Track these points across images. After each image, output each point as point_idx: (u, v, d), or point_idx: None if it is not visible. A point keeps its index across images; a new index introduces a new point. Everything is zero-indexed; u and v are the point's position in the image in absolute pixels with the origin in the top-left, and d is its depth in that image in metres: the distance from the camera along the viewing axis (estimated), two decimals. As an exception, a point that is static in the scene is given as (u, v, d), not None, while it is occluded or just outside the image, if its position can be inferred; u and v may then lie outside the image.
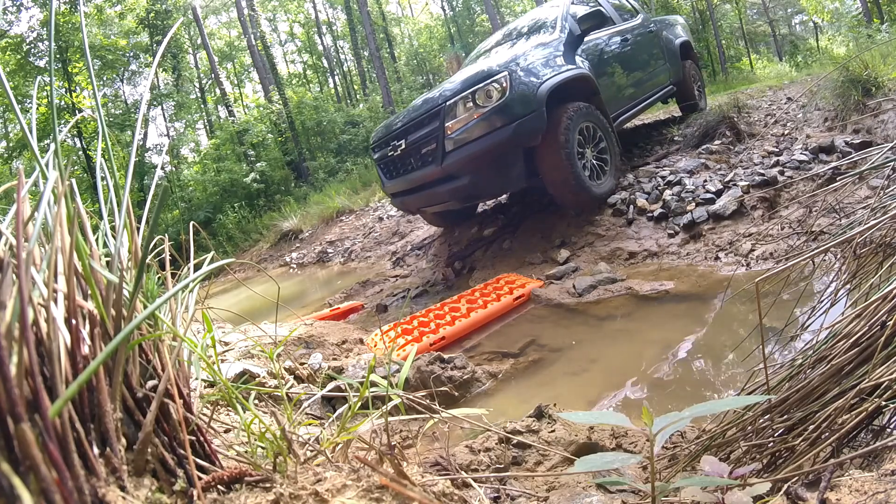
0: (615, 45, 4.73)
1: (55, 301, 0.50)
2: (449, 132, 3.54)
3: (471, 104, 3.50)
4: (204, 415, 0.80)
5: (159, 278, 0.96)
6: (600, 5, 5.06)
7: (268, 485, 0.59)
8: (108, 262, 0.65)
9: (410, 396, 1.01)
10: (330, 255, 7.52)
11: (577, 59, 4.05)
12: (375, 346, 2.62)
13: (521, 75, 3.51)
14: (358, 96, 23.85)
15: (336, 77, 29.92)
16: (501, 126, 3.37)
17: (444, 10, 30.06)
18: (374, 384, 0.88)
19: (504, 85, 3.44)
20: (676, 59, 5.81)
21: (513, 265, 3.69)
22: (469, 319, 2.65)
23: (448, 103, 3.60)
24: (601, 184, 3.87)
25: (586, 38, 4.30)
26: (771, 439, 0.85)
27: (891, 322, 0.77)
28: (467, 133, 3.45)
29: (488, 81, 3.45)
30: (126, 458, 0.50)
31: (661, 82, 5.41)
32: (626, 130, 6.57)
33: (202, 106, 23.55)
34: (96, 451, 0.46)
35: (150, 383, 0.60)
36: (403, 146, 3.88)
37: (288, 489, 0.58)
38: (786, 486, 0.73)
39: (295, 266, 8.17)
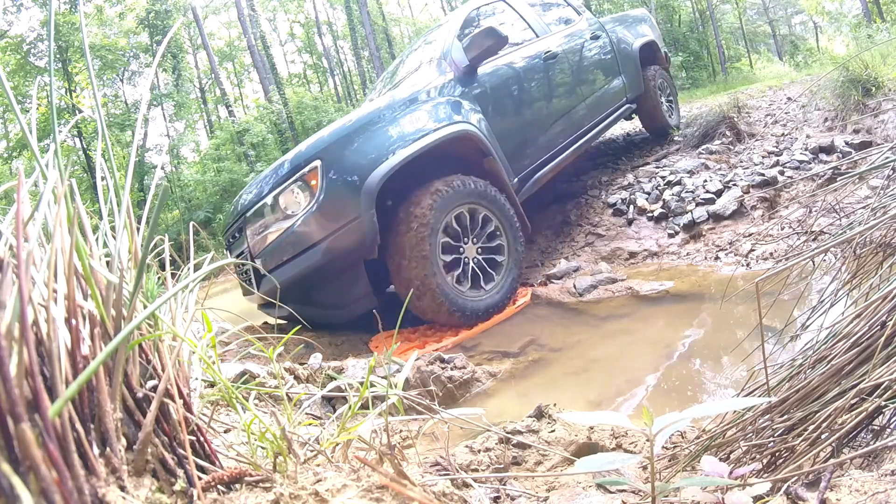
0: (530, 69, 3.45)
1: (55, 301, 0.50)
2: (255, 251, 2.59)
3: (277, 213, 2.50)
4: (204, 415, 0.80)
5: (159, 278, 0.96)
6: (516, 12, 3.85)
7: (268, 485, 0.59)
8: (108, 262, 0.65)
9: (410, 396, 1.01)
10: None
11: (465, 105, 2.90)
12: (376, 347, 2.62)
13: (342, 161, 2.41)
14: (358, 96, 23.87)
15: (336, 77, 29.92)
16: (310, 246, 2.38)
17: (444, 11, 30.08)
18: (373, 384, 0.88)
19: (314, 182, 2.38)
20: (635, 67, 4.56)
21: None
22: (471, 330, 2.63)
23: (248, 214, 2.64)
24: (487, 293, 2.69)
25: (481, 71, 3.10)
26: (771, 439, 0.85)
27: (891, 322, 0.77)
28: (274, 255, 2.47)
29: (292, 180, 2.44)
30: (126, 458, 0.50)
31: (612, 101, 4.22)
32: (626, 132, 6.51)
33: (202, 106, 23.56)
34: (96, 451, 0.46)
35: (150, 383, 0.60)
36: (230, 255, 2.92)
37: (288, 489, 0.58)
38: (786, 486, 0.73)
39: (295, 266, 8.15)
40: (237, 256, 2.80)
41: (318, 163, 2.40)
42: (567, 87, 3.75)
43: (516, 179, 3.12)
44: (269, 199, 2.53)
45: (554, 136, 3.50)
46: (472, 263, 2.73)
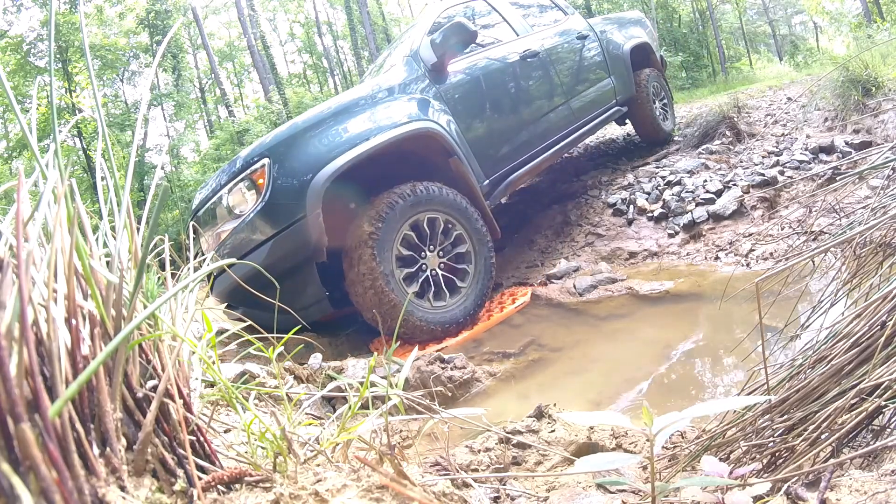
0: (507, 68, 3.33)
1: (55, 301, 0.50)
2: (206, 250, 2.53)
3: (225, 212, 2.44)
4: (204, 415, 0.80)
5: (159, 278, 0.96)
6: (496, 10, 3.71)
7: (268, 485, 0.59)
8: (108, 262, 0.65)
9: (410, 396, 1.01)
10: (330, 255, 7.50)
11: (432, 103, 2.81)
12: (376, 348, 2.62)
13: (291, 160, 2.34)
14: (358, 96, 23.74)
15: (336, 77, 29.89)
16: (256, 246, 2.32)
17: (444, 10, 29.96)
18: (374, 384, 0.88)
19: (261, 181, 2.31)
20: (625, 69, 4.41)
21: (514, 264, 3.69)
22: (471, 331, 2.62)
23: (200, 213, 2.63)
24: (455, 304, 2.58)
25: (453, 68, 3.03)
26: (771, 439, 0.85)
27: (891, 322, 0.77)
28: (223, 255, 2.39)
29: (239, 178, 2.39)
30: (126, 458, 0.50)
31: (599, 103, 4.08)
32: (627, 133, 6.50)
33: (202, 106, 23.53)
34: (96, 451, 0.46)
35: (150, 383, 0.60)
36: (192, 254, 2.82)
37: (288, 489, 0.58)
38: (786, 486, 0.73)
39: (295, 266, 8.15)
40: (195, 256, 2.65)
41: (266, 161, 2.32)
42: (548, 88, 3.62)
43: (487, 182, 3.01)
44: (217, 198, 2.48)
45: (532, 137, 3.37)
46: (436, 274, 2.61)
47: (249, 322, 1.12)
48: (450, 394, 1.87)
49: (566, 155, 5.76)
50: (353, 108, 2.59)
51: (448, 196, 2.64)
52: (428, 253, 2.60)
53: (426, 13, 3.53)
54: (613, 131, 6.37)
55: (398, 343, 2.52)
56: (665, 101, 5.16)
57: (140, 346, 0.62)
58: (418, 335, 2.47)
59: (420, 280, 2.55)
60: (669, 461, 0.99)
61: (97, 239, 0.70)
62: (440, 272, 2.63)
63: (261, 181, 2.32)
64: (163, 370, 0.61)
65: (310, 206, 2.27)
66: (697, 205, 3.39)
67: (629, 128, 6.44)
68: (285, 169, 2.32)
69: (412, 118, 2.64)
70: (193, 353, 0.80)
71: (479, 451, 1.12)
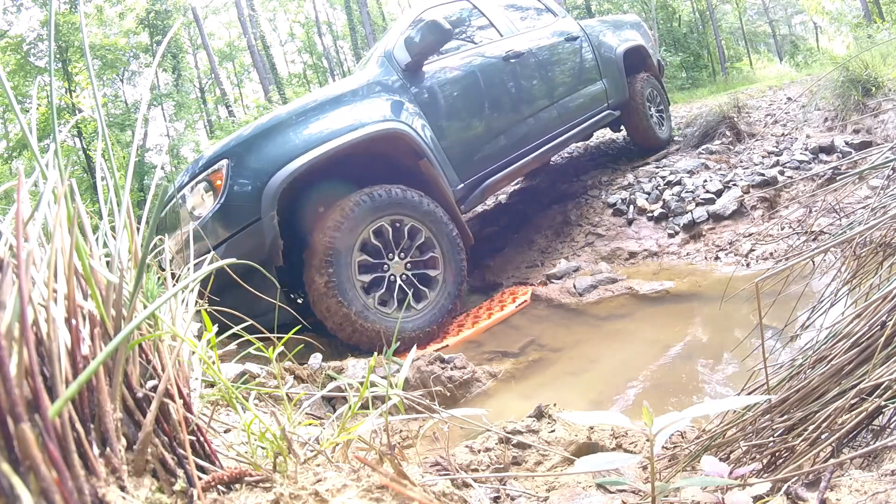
0: (487, 69, 3.23)
1: (55, 301, 0.50)
2: (172, 251, 2.54)
3: (185, 213, 2.42)
4: (204, 415, 0.80)
5: (159, 278, 0.96)
6: (479, 11, 3.62)
7: (268, 485, 0.59)
8: (108, 262, 0.65)
9: (410, 396, 1.01)
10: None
11: (405, 104, 2.75)
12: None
13: (249, 161, 2.29)
14: (358, 96, 23.74)
15: (336, 77, 29.89)
16: (212, 249, 2.21)
17: (444, 10, 29.94)
18: (374, 384, 0.88)
19: (218, 182, 2.26)
20: (618, 72, 4.28)
21: (514, 264, 3.69)
22: (472, 329, 2.62)
23: (163, 213, 2.60)
24: (420, 312, 2.51)
25: (429, 69, 2.96)
26: (771, 439, 0.85)
27: (891, 322, 0.77)
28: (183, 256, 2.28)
29: (197, 180, 2.34)
30: (126, 458, 0.50)
31: (589, 106, 3.98)
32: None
33: (202, 106, 23.53)
34: (96, 451, 0.46)
35: (150, 383, 0.60)
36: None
37: (288, 489, 0.58)
38: (786, 486, 0.73)
39: (295, 266, 8.14)
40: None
41: (224, 162, 2.27)
42: (532, 90, 3.52)
43: (462, 185, 2.93)
44: (180, 198, 2.44)
45: (514, 139, 3.28)
46: (406, 278, 2.55)
47: (251, 320, 1.12)
48: (450, 394, 1.87)
49: (566, 155, 5.76)
50: (319, 108, 2.53)
51: (413, 199, 2.54)
52: (389, 263, 2.53)
53: (408, 12, 3.46)
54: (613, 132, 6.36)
55: (398, 343, 2.52)
56: (661, 107, 5.00)
57: (140, 346, 0.62)
58: (407, 344, 2.43)
59: (394, 295, 2.48)
60: (669, 461, 0.99)
61: (97, 239, 0.70)
62: (409, 273, 2.57)
63: (218, 182, 2.27)
64: (163, 370, 0.61)
65: (265, 208, 2.22)
66: (697, 205, 3.39)
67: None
68: (242, 170, 2.28)
69: (380, 119, 2.58)
70: (193, 353, 0.80)
71: (479, 451, 1.12)
